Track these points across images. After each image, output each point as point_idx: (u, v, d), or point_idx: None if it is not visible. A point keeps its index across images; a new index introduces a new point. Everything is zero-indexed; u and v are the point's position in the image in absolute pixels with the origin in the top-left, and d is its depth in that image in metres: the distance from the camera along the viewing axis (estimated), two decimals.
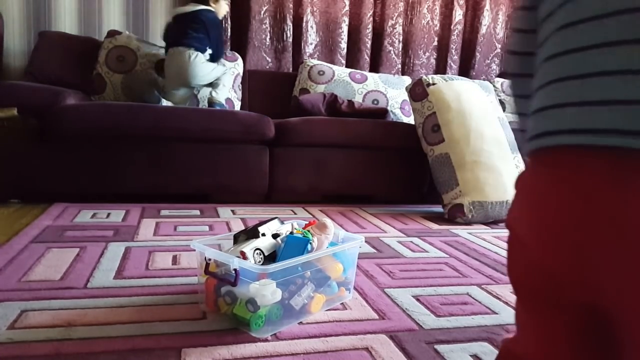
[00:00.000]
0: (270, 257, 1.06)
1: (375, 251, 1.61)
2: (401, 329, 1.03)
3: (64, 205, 2.02)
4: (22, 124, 1.99)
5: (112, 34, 2.55)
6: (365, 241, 1.23)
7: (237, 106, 2.67)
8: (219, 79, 2.43)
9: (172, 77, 2.37)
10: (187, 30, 2.30)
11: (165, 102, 2.40)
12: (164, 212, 2.01)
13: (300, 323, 1.03)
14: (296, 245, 1.06)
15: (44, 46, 2.49)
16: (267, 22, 2.92)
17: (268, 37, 2.97)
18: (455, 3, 3.27)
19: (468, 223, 2.11)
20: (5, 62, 2.65)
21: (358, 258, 1.23)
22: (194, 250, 1.06)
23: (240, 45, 2.89)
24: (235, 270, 0.95)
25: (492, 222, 2.15)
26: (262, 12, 2.92)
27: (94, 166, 2.09)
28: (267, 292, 0.93)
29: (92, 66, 2.50)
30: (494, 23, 3.41)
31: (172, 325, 0.98)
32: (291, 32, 2.97)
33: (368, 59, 3.13)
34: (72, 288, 1.15)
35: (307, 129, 2.33)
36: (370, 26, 3.11)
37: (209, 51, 2.37)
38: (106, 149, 2.10)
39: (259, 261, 1.03)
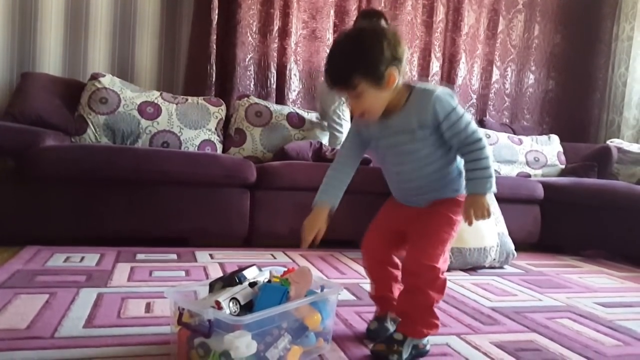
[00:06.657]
0: (247, 306, 1.04)
1: (354, 298, 1.59)
2: None
3: (36, 248, 1.96)
4: None
5: (96, 76, 2.58)
6: (345, 287, 1.22)
7: (219, 149, 2.69)
8: None
9: None
10: None
11: None
12: (139, 257, 1.96)
13: None
14: (273, 294, 1.04)
15: (25, 87, 2.49)
16: (252, 70, 3.00)
17: (252, 83, 3.03)
18: (433, 55, 3.42)
19: (447, 269, 2.11)
20: None
21: (337, 305, 1.21)
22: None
23: (225, 91, 2.95)
24: (209, 320, 0.93)
25: (470, 269, 2.16)
26: (247, 60, 3.00)
27: (71, 209, 2.05)
28: (242, 345, 0.90)
29: (74, 108, 2.51)
30: (470, 75, 3.57)
31: None
32: (275, 79, 3.04)
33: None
34: (38, 338, 1.11)
35: (288, 173, 2.35)
36: None
37: None
38: (84, 191, 2.07)
39: (235, 311, 1.01)
